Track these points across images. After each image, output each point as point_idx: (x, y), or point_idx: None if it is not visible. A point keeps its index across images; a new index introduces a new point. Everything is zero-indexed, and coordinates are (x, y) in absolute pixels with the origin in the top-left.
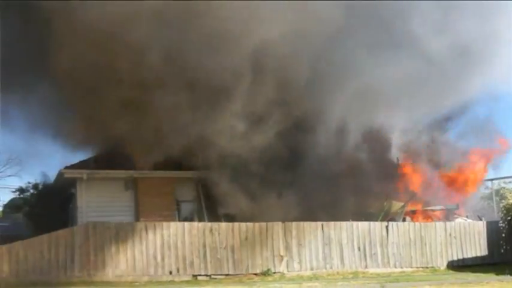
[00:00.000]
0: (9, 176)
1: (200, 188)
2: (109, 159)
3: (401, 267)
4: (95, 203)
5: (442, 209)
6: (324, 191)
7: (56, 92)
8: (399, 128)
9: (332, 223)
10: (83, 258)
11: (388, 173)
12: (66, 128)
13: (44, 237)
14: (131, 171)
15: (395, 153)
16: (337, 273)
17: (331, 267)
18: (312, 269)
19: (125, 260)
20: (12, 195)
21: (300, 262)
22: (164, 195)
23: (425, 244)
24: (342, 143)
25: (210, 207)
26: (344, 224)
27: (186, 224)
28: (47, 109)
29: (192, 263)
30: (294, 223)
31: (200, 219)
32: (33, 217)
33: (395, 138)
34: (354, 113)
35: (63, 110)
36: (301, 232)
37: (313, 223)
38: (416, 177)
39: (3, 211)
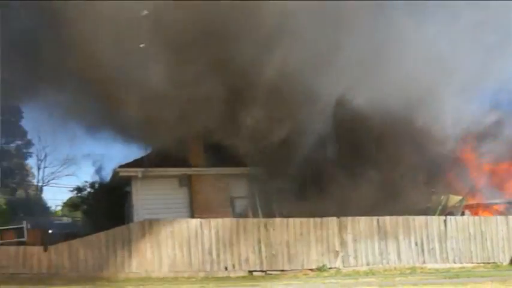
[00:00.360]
0: (66, 175)
1: (254, 183)
2: (163, 157)
3: (461, 263)
4: (150, 200)
5: (503, 203)
6: (379, 185)
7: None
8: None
9: (388, 218)
10: (140, 254)
11: (446, 166)
12: (123, 128)
13: (102, 234)
14: (185, 169)
15: (453, 145)
16: (394, 268)
17: (387, 263)
18: (368, 264)
19: (181, 256)
20: (70, 194)
21: (355, 257)
22: (218, 191)
23: (486, 239)
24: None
25: (264, 203)
26: (400, 218)
27: (241, 220)
28: (104, 109)
29: (247, 259)
30: (349, 218)
31: (254, 215)
32: (91, 215)
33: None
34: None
35: (121, 110)
36: (357, 227)
37: (368, 218)
38: (476, 169)
39: (62, 209)
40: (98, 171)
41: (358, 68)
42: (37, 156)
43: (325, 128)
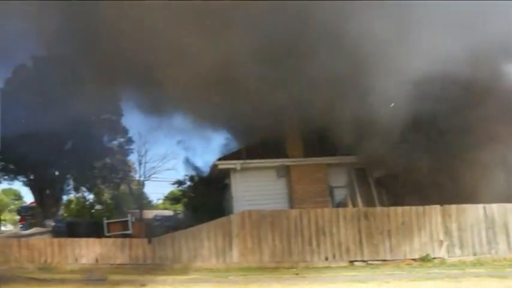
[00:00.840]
0: (166, 170)
1: (353, 173)
2: (260, 148)
3: None
4: (249, 192)
5: None
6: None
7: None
8: None
9: (495, 205)
10: (240, 245)
11: None
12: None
13: (203, 226)
14: (283, 159)
15: None
16: (504, 259)
17: (496, 253)
18: (474, 254)
19: (281, 247)
20: (171, 188)
21: (461, 247)
22: (317, 181)
23: None
24: None
25: (364, 192)
26: (510, 206)
27: (340, 209)
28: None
29: (348, 249)
30: (453, 206)
31: (354, 205)
32: (191, 207)
33: None
34: None
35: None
36: (462, 215)
37: (473, 205)
38: None
39: (163, 203)
40: (197, 165)
41: None
42: (138, 152)
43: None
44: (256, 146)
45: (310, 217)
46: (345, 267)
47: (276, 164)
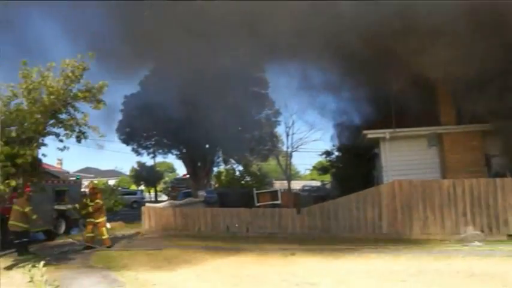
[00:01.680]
0: (313, 140)
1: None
2: (411, 116)
3: None
4: (399, 161)
5: None
6: None
7: None
8: None
9: None
10: (390, 216)
11: None
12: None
13: (352, 196)
14: (435, 127)
15: None
16: None
17: None
18: None
19: (433, 219)
20: (318, 158)
21: None
22: (471, 150)
23: None
24: None
25: None
26: None
27: (498, 180)
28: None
29: (506, 221)
30: None
31: None
32: (339, 177)
33: None
34: None
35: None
36: None
37: None
38: None
39: (311, 173)
40: (345, 135)
41: None
42: (285, 124)
43: None
44: (406, 113)
45: (464, 188)
46: (501, 241)
47: (427, 132)
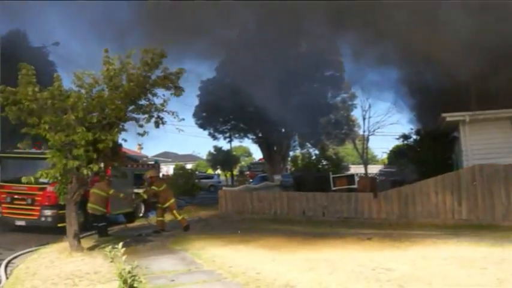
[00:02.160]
0: (390, 124)
1: None
2: (492, 98)
3: None
4: (480, 145)
5: None
6: None
7: None
8: None
9: None
10: (470, 201)
11: None
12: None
13: (430, 181)
14: None
15: None
16: None
17: None
18: None
19: None
20: (396, 142)
21: None
22: None
23: None
24: None
25: None
26: None
27: None
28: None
29: None
30: None
31: None
32: (417, 162)
33: None
34: None
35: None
36: None
37: None
38: None
39: (388, 157)
40: (423, 118)
41: None
42: (362, 107)
43: None
44: (488, 95)
45: None
46: None
47: (510, 114)
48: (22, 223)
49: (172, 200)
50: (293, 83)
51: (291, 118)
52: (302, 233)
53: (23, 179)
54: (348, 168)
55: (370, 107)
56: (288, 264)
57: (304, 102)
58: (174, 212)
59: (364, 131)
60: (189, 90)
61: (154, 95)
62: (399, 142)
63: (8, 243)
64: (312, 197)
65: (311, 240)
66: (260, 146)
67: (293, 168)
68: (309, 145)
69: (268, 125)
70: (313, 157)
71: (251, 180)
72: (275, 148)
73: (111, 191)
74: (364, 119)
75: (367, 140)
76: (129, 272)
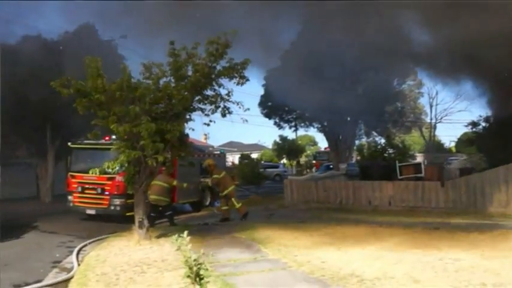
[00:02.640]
0: (458, 111)
1: None
2: None
3: None
4: None
5: None
6: None
7: None
8: None
9: None
10: None
11: None
12: None
13: (500, 169)
14: None
15: None
16: None
17: None
18: None
19: None
20: (464, 130)
21: None
22: None
23: None
24: None
25: None
26: None
27: None
28: None
29: None
30: None
31: None
32: (487, 150)
33: None
34: None
35: None
36: None
37: None
38: None
39: (456, 145)
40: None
41: None
42: (429, 94)
43: None
44: None
45: None
46: None
47: None
48: (92, 212)
49: (231, 188)
50: (360, 70)
51: (357, 106)
52: (368, 223)
53: (92, 171)
54: (414, 157)
55: (437, 94)
56: (353, 253)
57: (370, 91)
58: (233, 199)
59: (431, 119)
60: (254, 80)
61: (220, 85)
62: (468, 130)
63: (79, 231)
64: (378, 186)
65: (377, 230)
66: (325, 134)
67: (359, 157)
68: (375, 133)
69: (334, 114)
70: (379, 145)
71: (316, 169)
72: (340, 137)
73: (174, 182)
74: (431, 106)
75: (434, 127)
76: (195, 260)
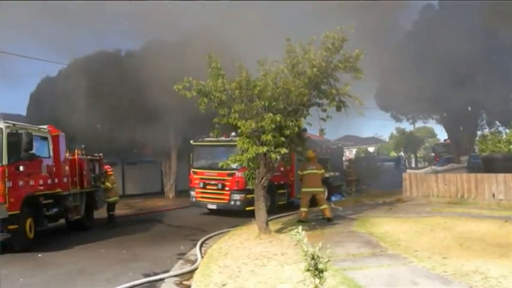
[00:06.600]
0: None
1: None
2: None
3: None
4: None
5: None
6: None
7: None
8: None
9: None
10: None
11: None
12: None
13: None
14: None
15: None
16: None
17: None
18: None
19: None
20: None
21: None
22: None
23: None
24: None
25: None
26: None
27: None
28: None
29: None
30: None
31: None
32: None
33: None
34: None
35: None
36: None
37: None
38: None
39: None
40: None
41: None
42: None
43: None
44: None
45: None
46: None
47: None
48: (213, 207)
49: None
50: (481, 58)
51: (479, 95)
52: (491, 218)
53: (220, 164)
54: None
55: None
56: (475, 250)
57: (492, 79)
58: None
59: None
60: (367, 73)
61: (336, 79)
62: None
63: (202, 225)
64: (503, 179)
65: (501, 225)
66: (445, 126)
67: (481, 149)
68: (498, 123)
69: (454, 104)
70: (504, 136)
71: (436, 162)
72: (461, 128)
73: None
74: None
75: None
76: (313, 254)
